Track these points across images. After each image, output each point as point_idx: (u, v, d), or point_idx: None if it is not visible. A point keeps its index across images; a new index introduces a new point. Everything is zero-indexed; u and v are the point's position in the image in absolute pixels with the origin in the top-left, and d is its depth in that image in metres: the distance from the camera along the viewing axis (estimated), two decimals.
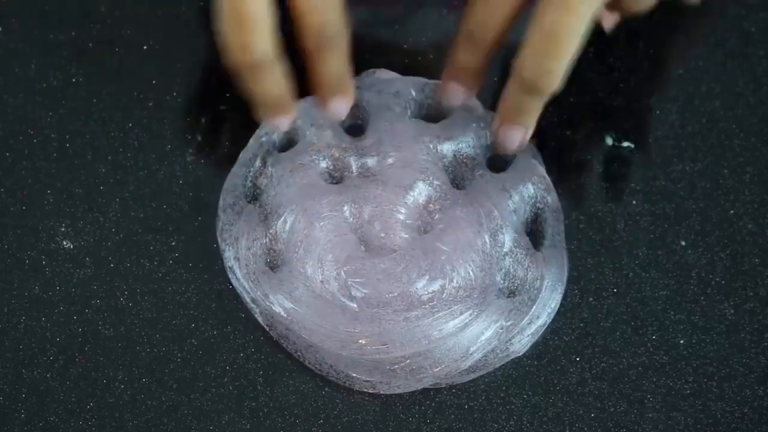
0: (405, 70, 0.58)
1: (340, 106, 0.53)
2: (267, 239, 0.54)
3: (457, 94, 0.54)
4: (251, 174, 0.56)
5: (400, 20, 0.61)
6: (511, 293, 0.54)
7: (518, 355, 0.53)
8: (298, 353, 0.53)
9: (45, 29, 0.61)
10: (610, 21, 0.55)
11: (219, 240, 0.55)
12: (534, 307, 0.53)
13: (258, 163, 0.56)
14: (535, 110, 0.51)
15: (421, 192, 0.55)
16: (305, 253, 0.53)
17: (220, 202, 0.56)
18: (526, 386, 0.53)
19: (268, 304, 0.53)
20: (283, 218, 0.54)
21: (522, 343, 0.53)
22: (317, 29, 0.49)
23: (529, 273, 0.54)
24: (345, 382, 0.53)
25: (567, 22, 0.48)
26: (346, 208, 0.54)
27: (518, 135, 0.52)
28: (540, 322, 0.54)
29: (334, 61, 0.51)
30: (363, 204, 0.54)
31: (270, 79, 0.50)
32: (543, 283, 0.54)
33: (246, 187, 0.56)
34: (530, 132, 0.53)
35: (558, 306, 0.54)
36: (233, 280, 0.54)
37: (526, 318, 0.53)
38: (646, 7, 0.52)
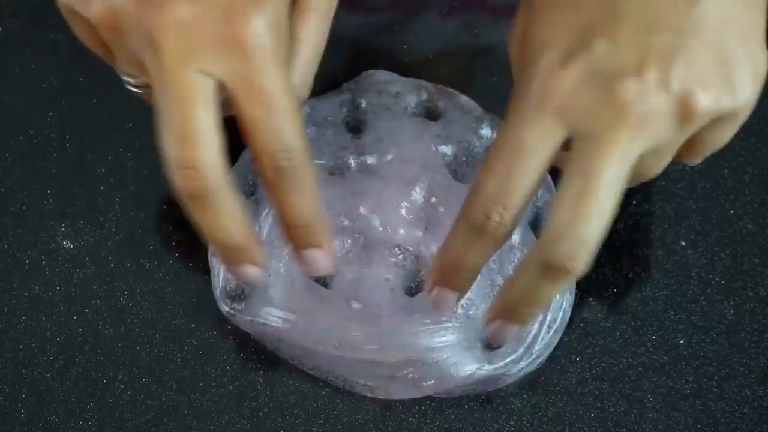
0: (404, 72, 0.58)
1: (317, 261, 0.46)
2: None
3: (448, 301, 0.47)
4: (251, 174, 0.56)
5: (399, 23, 0.61)
6: None
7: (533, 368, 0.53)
8: (294, 360, 0.53)
9: (45, 29, 0.61)
10: None
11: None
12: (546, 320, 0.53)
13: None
14: (547, 301, 0.45)
15: (422, 186, 0.54)
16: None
17: None
18: (525, 386, 0.53)
19: (258, 320, 0.53)
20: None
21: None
22: (270, 156, 0.43)
23: None
24: (344, 386, 0.53)
25: (610, 175, 0.42)
26: (343, 201, 0.54)
27: (513, 332, 0.47)
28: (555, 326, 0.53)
29: (297, 199, 0.45)
30: (362, 198, 0.54)
31: (224, 212, 0.44)
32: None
33: (246, 186, 0.56)
34: (525, 330, 0.48)
35: (571, 306, 0.54)
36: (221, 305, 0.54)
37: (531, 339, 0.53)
38: (655, 175, 0.48)
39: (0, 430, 0.53)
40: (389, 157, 0.55)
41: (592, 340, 0.54)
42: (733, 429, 0.53)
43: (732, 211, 0.57)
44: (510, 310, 0.46)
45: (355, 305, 0.52)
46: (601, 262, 0.56)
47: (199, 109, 0.43)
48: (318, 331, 0.52)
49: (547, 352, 0.53)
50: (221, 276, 0.53)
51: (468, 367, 0.51)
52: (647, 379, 0.54)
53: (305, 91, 0.48)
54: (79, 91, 0.60)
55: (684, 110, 0.43)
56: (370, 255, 0.53)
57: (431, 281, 0.47)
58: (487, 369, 0.52)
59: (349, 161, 0.56)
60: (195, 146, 0.42)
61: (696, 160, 0.49)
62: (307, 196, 0.45)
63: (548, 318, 0.53)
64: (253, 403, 0.53)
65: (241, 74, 0.43)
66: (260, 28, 0.43)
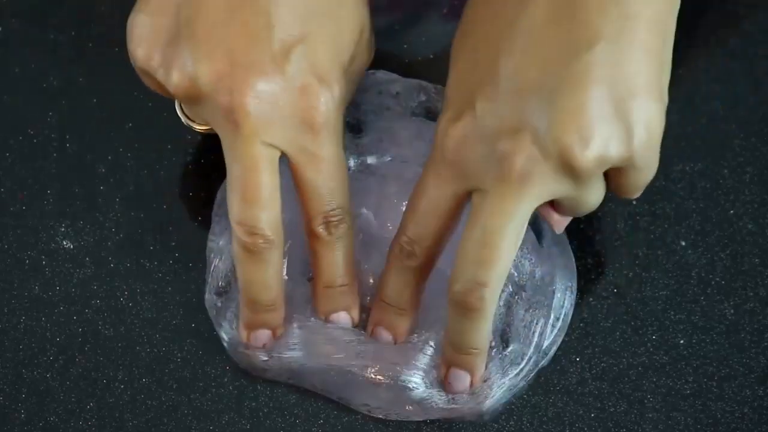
0: (405, 72, 0.58)
1: (342, 321, 0.52)
2: None
3: (385, 341, 0.52)
4: None
5: (398, 23, 0.61)
6: (520, 288, 0.53)
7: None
8: (291, 379, 0.53)
9: (45, 29, 0.61)
10: (561, 223, 0.52)
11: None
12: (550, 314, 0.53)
13: None
14: (479, 342, 0.49)
15: None
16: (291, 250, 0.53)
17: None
18: (525, 386, 0.53)
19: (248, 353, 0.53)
20: None
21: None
22: (324, 213, 0.49)
23: (537, 269, 0.54)
24: (340, 401, 0.53)
25: (500, 225, 0.46)
26: None
27: (464, 380, 0.51)
28: (559, 324, 0.53)
29: (341, 256, 0.50)
30: (362, 197, 0.54)
31: (269, 271, 0.49)
32: (553, 283, 0.53)
33: None
34: (479, 374, 0.50)
35: (572, 307, 0.54)
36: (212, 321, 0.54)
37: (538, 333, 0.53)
38: (590, 210, 0.49)
39: (0, 430, 0.53)
40: (388, 157, 0.55)
41: (592, 340, 0.54)
42: (733, 429, 0.53)
43: (732, 211, 0.57)
44: (453, 354, 0.50)
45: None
46: (602, 262, 0.56)
47: (265, 175, 0.48)
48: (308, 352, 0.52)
49: (554, 349, 0.53)
50: (213, 281, 0.54)
51: (494, 388, 0.52)
52: (647, 379, 0.54)
53: (342, 138, 0.52)
54: (79, 91, 0.60)
55: (566, 164, 0.45)
56: (369, 252, 0.53)
57: (370, 320, 0.52)
58: (505, 381, 0.52)
59: (349, 161, 0.56)
60: (259, 208, 0.48)
61: (630, 197, 0.50)
62: (349, 254, 0.51)
63: (552, 316, 0.53)
64: (253, 403, 0.53)
65: (307, 147, 0.48)
66: (330, 110, 0.48)
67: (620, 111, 0.45)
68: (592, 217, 0.57)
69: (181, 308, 0.55)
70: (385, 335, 0.51)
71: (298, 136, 0.48)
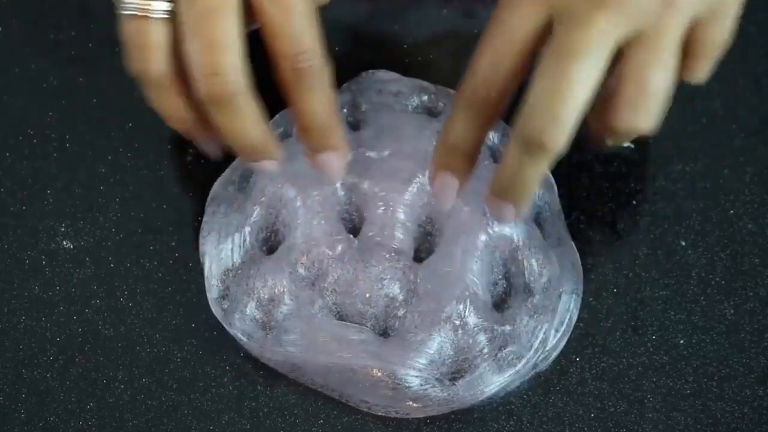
0: (404, 70, 0.58)
1: (331, 163, 0.50)
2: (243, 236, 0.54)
3: (449, 188, 0.50)
4: (237, 177, 0.56)
5: (398, 13, 0.61)
6: (529, 294, 0.53)
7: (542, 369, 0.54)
8: (292, 373, 0.53)
9: (45, 29, 0.61)
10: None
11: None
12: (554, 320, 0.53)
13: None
14: (532, 180, 0.47)
15: (422, 186, 0.54)
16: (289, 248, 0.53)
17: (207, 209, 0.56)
18: (525, 386, 0.53)
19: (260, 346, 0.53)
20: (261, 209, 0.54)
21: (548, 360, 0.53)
22: (292, 57, 0.47)
23: (544, 271, 0.54)
24: (340, 398, 0.53)
25: (584, 54, 0.44)
26: (339, 199, 0.54)
27: (508, 212, 0.49)
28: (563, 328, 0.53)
29: (315, 100, 0.48)
30: (360, 203, 0.54)
31: (244, 115, 0.47)
32: (560, 286, 0.53)
33: (234, 184, 0.56)
34: (523, 209, 0.49)
35: (577, 310, 0.54)
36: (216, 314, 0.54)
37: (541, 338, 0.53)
38: (656, 89, 0.46)
39: (0, 430, 0.53)
40: (387, 152, 0.55)
41: (592, 340, 0.54)
42: (733, 429, 0.53)
43: (732, 211, 0.57)
44: (502, 189, 0.48)
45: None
46: (601, 262, 0.56)
47: (226, 18, 0.46)
48: (305, 343, 0.52)
49: (555, 353, 0.53)
50: (213, 280, 0.54)
51: (489, 385, 0.52)
52: (647, 379, 0.54)
53: None
54: (79, 91, 0.60)
55: None
56: (367, 258, 0.53)
57: (432, 168, 0.50)
58: (501, 379, 0.52)
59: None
60: (220, 53, 0.45)
61: (697, 70, 0.49)
62: (324, 97, 0.48)
63: (556, 320, 0.53)
64: (253, 403, 0.53)
65: None
66: None
67: None
68: (592, 217, 0.57)
69: (181, 308, 0.55)
70: (451, 180, 0.49)
71: None
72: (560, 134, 0.44)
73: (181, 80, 0.49)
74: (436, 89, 0.57)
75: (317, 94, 0.48)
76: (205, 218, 0.55)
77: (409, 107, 0.57)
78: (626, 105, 0.46)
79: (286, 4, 0.47)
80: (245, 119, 0.47)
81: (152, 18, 0.47)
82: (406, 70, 0.58)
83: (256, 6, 0.47)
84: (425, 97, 0.57)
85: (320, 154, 0.50)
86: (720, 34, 0.48)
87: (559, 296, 0.53)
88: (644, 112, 0.46)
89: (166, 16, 0.47)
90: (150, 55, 0.48)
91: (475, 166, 0.50)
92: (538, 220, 0.56)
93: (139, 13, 0.47)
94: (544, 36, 0.46)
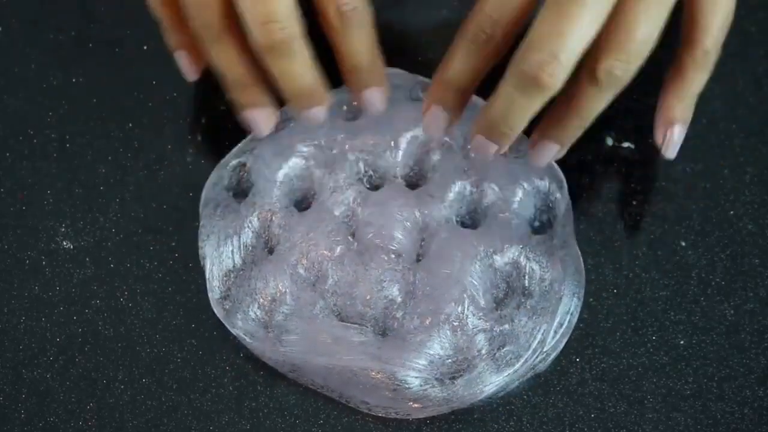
0: (407, 67, 0.58)
1: (375, 99, 0.52)
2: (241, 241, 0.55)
3: (439, 121, 0.51)
4: (235, 173, 0.56)
5: (399, 9, 0.61)
6: (527, 295, 0.54)
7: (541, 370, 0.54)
8: (292, 372, 0.53)
9: (45, 29, 0.61)
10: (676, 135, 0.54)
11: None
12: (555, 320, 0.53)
13: (239, 160, 0.57)
14: (522, 118, 0.48)
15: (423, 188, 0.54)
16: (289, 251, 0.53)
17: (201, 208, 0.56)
18: (525, 387, 0.53)
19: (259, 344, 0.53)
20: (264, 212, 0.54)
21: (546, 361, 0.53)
22: (336, 3, 0.49)
23: (547, 274, 0.54)
24: (340, 399, 0.53)
25: (578, 11, 0.45)
26: (339, 203, 0.54)
27: (492, 149, 0.50)
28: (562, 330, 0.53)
29: (360, 40, 0.50)
30: (360, 203, 0.54)
31: (298, 60, 0.49)
32: (561, 289, 0.53)
33: (231, 184, 0.56)
34: (504, 148, 0.50)
35: (578, 312, 0.54)
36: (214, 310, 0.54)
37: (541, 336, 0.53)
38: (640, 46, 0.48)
39: (0, 430, 0.53)
40: (383, 148, 0.55)
41: (592, 341, 0.54)
42: (733, 430, 0.53)
43: (732, 212, 0.57)
44: (489, 125, 0.49)
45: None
46: (602, 262, 0.56)
47: None
48: (304, 342, 0.52)
49: (554, 355, 0.53)
50: (215, 281, 0.54)
51: (488, 384, 0.52)
52: (647, 379, 0.54)
53: None
54: (79, 91, 0.60)
55: None
56: (366, 261, 0.53)
57: (426, 100, 0.52)
58: (500, 378, 0.52)
59: (342, 143, 0.56)
60: (273, 1, 0.47)
61: (698, 43, 0.51)
62: (368, 36, 0.51)
63: (555, 322, 0.53)
64: (253, 404, 0.53)
65: None
66: None
67: None
68: (593, 218, 0.57)
69: (181, 309, 0.55)
70: (442, 114, 0.51)
71: None
72: (557, 71, 0.46)
73: (234, 33, 0.50)
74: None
75: (362, 34, 0.50)
76: (202, 222, 0.55)
77: (409, 98, 0.57)
78: (607, 48, 0.47)
79: None
80: (300, 63, 0.49)
81: None
82: (408, 67, 0.58)
83: None
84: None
85: (366, 90, 0.52)
86: (723, 3, 0.50)
87: (560, 299, 0.53)
88: (623, 58, 0.47)
89: None
90: (207, 11, 0.49)
91: (466, 103, 0.51)
92: (548, 218, 0.55)
93: None
94: None
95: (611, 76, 0.47)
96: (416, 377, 0.51)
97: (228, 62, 0.51)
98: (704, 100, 0.54)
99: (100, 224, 0.57)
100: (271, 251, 0.54)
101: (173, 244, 0.56)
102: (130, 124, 0.59)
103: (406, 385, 0.51)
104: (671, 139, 0.54)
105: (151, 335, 0.55)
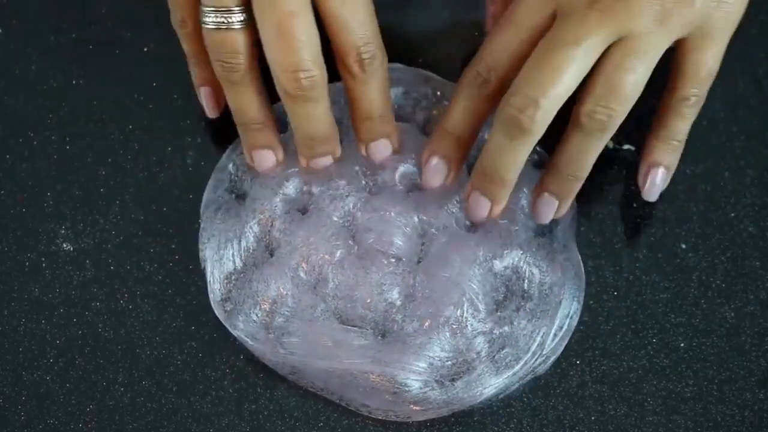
0: (409, 62, 0.58)
1: (383, 151, 0.54)
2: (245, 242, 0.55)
3: (439, 173, 0.53)
4: (233, 175, 0.56)
5: (402, 4, 0.61)
6: (526, 298, 0.53)
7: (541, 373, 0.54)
8: (292, 375, 0.53)
9: (45, 31, 0.61)
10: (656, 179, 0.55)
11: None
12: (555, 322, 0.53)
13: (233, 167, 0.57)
14: (510, 167, 0.50)
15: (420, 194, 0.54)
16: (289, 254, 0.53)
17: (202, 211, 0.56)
18: (526, 389, 0.53)
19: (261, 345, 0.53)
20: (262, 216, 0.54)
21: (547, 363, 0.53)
22: (356, 49, 0.50)
23: (547, 278, 0.54)
24: (340, 402, 0.53)
25: (571, 47, 0.48)
26: (336, 211, 0.54)
27: (485, 207, 0.52)
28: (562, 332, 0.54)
29: (375, 89, 0.51)
30: (360, 208, 0.54)
31: (320, 107, 0.51)
32: (561, 293, 0.53)
33: (229, 185, 0.56)
34: (500, 205, 0.52)
35: (577, 316, 0.54)
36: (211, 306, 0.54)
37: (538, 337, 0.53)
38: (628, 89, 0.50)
39: None
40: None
41: (593, 343, 0.54)
42: None
43: (733, 214, 0.57)
44: (481, 176, 0.51)
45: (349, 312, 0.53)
46: (602, 264, 0.56)
47: (304, 18, 0.49)
48: (305, 345, 0.52)
49: (554, 357, 0.53)
50: (215, 284, 0.54)
51: (488, 386, 0.52)
52: (647, 382, 0.54)
53: None
54: (80, 93, 0.60)
55: (668, 8, 0.48)
56: (366, 265, 0.53)
57: (425, 151, 0.54)
58: (499, 380, 0.52)
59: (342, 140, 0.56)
60: (303, 51, 0.49)
61: (681, 90, 0.52)
62: (383, 86, 0.52)
63: (555, 325, 0.53)
64: (253, 406, 0.53)
65: None
66: None
67: None
68: (593, 220, 0.57)
69: (181, 311, 0.55)
70: (442, 166, 0.53)
71: None
72: (536, 115, 0.48)
73: (255, 76, 0.52)
74: (440, 84, 0.57)
75: (378, 83, 0.51)
76: (202, 225, 0.55)
77: (411, 96, 0.57)
78: (592, 94, 0.49)
79: (351, 0, 0.50)
80: (320, 110, 0.51)
81: (233, 29, 0.50)
82: (410, 63, 0.58)
83: (320, 2, 0.50)
84: (429, 90, 0.57)
85: (375, 143, 0.53)
86: (708, 58, 0.51)
87: (560, 302, 0.53)
88: (605, 104, 0.49)
89: (243, 25, 0.50)
90: (234, 55, 0.51)
91: (467, 157, 0.53)
92: (552, 224, 0.55)
93: (222, 26, 0.50)
94: (549, 24, 0.49)
95: (593, 121, 0.49)
96: (416, 380, 0.51)
97: (244, 104, 0.52)
98: (705, 102, 0.54)
99: (100, 226, 0.57)
100: (271, 254, 0.54)
101: (173, 246, 0.56)
102: (131, 126, 0.59)
103: (406, 388, 0.51)
104: (652, 182, 0.55)
105: (151, 337, 0.54)
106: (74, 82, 0.60)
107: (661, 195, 0.57)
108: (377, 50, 0.51)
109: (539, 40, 0.49)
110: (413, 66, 0.58)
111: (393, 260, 0.53)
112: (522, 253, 0.54)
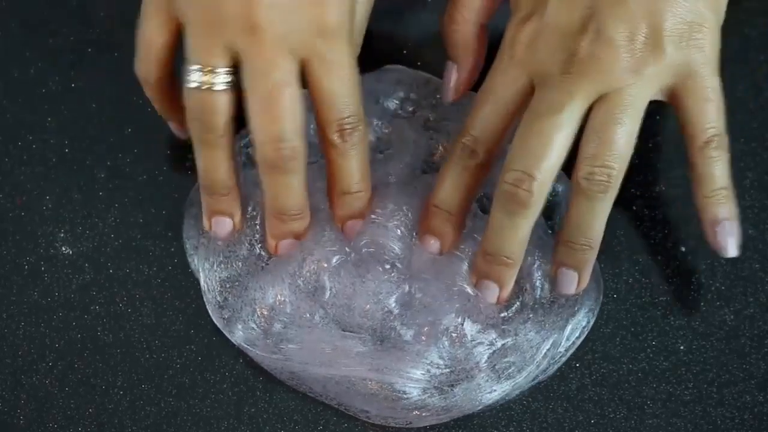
0: (407, 65, 0.58)
1: (355, 230, 0.53)
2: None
3: (432, 250, 0.53)
4: None
5: (402, 9, 0.61)
6: (539, 307, 0.53)
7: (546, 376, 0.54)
8: (291, 380, 0.53)
9: (44, 34, 0.61)
10: None
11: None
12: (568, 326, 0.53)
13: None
14: (514, 245, 0.50)
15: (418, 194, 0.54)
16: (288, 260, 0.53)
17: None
18: (525, 392, 0.53)
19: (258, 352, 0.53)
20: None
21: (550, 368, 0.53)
22: (339, 121, 0.50)
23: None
24: (338, 407, 0.53)
25: (556, 116, 0.48)
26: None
27: (493, 292, 0.52)
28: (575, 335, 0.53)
29: (354, 160, 0.51)
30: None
31: (295, 179, 0.50)
32: (578, 304, 0.53)
33: None
34: (508, 288, 0.52)
35: (589, 328, 0.54)
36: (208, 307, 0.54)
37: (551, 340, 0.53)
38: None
39: None
40: (381, 156, 0.55)
41: (592, 346, 0.54)
42: None
43: None
44: (487, 258, 0.51)
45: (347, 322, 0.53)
46: (601, 267, 0.56)
47: (291, 89, 0.49)
48: (304, 352, 0.52)
49: (556, 366, 0.53)
50: (210, 289, 0.54)
51: (487, 393, 0.52)
52: (647, 385, 0.54)
53: (358, 49, 0.53)
54: (78, 96, 0.60)
55: (638, 58, 0.48)
56: (362, 273, 0.53)
57: (420, 228, 0.53)
58: (499, 389, 0.52)
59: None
60: (286, 121, 0.48)
61: (698, 138, 0.51)
62: (362, 162, 0.51)
63: (564, 336, 0.53)
64: (253, 410, 0.53)
65: (323, 53, 0.49)
66: (344, 15, 0.49)
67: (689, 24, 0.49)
68: None
69: (181, 314, 0.55)
70: (434, 244, 0.53)
71: (318, 42, 0.49)
72: (533, 188, 0.48)
73: (228, 141, 0.51)
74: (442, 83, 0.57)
75: (357, 155, 0.51)
76: (186, 241, 0.55)
77: (411, 97, 0.57)
78: (585, 157, 0.49)
79: (342, 73, 0.50)
80: (295, 182, 0.50)
81: (216, 90, 0.49)
82: (410, 65, 0.58)
83: (310, 71, 0.49)
84: (428, 91, 0.57)
85: (349, 223, 0.53)
86: (707, 93, 0.50)
87: (573, 314, 0.53)
88: (601, 164, 0.49)
89: (227, 87, 0.49)
90: (212, 121, 0.50)
91: (461, 231, 0.53)
92: (553, 212, 0.55)
93: (204, 86, 0.49)
94: (528, 100, 0.50)
95: (594, 183, 0.49)
96: (415, 387, 0.51)
97: (214, 167, 0.51)
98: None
99: (99, 229, 0.57)
100: (267, 261, 0.54)
101: (172, 249, 0.56)
102: (129, 130, 0.59)
103: (406, 395, 0.51)
104: (723, 238, 0.52)
105: (150, 341, 0.54)
106: (73, 84, 0.60)
107: (660, 197, 0.57)
108: (359, 123, 0.50)
109: (519, 109, 0.50)
110: (413, 68, 0.58)
111: (388, 267, 0.53)
112: (534, 257, 0.53)
